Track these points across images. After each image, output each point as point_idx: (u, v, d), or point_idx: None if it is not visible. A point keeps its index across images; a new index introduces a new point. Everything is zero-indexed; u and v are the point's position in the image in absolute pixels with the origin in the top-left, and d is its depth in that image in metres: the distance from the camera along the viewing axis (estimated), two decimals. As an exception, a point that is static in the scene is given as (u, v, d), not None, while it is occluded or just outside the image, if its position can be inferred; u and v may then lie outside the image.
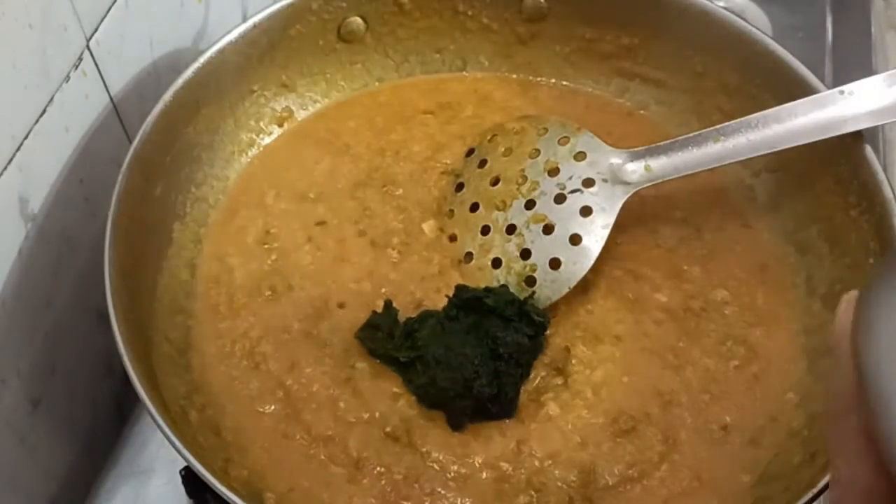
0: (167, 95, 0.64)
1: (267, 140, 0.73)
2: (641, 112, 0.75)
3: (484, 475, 0.58)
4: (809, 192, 0.66)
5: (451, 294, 0.63)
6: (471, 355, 0.59)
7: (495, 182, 0.68)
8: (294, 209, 0.69)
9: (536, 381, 0.61)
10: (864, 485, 0.30)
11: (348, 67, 0.75)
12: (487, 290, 0.63)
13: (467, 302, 0.62)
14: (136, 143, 0.61)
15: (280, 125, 0.73)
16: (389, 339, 0.61)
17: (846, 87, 0.62)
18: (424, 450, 0.58)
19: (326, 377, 0.61)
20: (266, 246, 0.67)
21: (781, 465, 0.57)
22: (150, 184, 0.63)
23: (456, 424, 0.59)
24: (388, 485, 0.57)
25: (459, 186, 0.70)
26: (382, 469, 0.57)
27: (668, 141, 0.65)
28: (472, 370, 0.58)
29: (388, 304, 0.62)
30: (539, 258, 0.64)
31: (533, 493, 0.57)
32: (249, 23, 0.68)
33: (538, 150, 0.67)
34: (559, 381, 0.61)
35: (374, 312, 0.62)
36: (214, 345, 0.63)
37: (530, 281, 0.64)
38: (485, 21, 0.75)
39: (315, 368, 0.61)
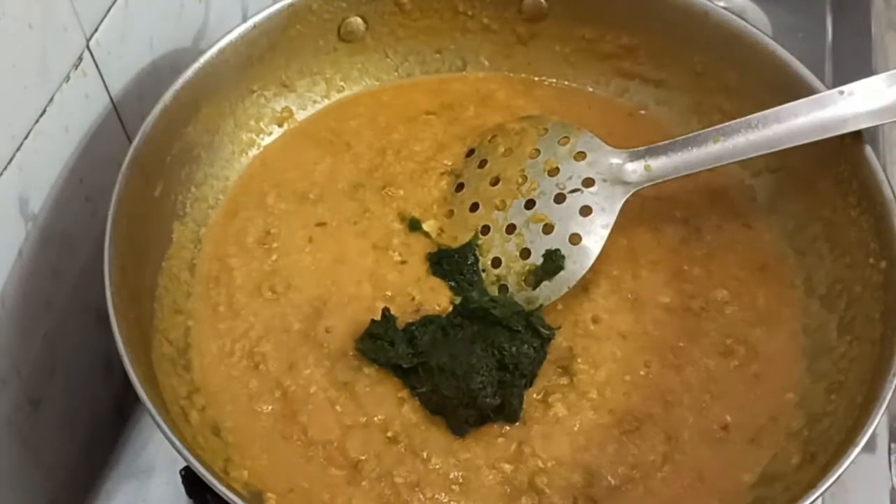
0: (167, 95, 0.64)
1: (267, 140, 0.73)
2: (641, 112, 0.75)
3: (486, 478, 0.58)
4: (809, 192, 0.66)
5: (450, 296, 0.64)
6: (476, 366, 0.59)
7: (495, 182, 0.68)
8: (294, 210, 0.69)
9: (543, 382, 0.61)
10: None
11: (348, 67, 0.75)
12: (493, 300, 0.63)
13: (473, 311, 0.62)
14: (136, 143, 0.61)
15: (280, 125, 0.74)
16: (391, 347, 0.61)
17: (846, 87, 0.62)
18: (425, 454, 0.58)
19: (325, 379, 0.61)
20: (266, 246, 0.67)
21: (781, 465, 0.57)
22: (150, 184, 0.63)
23: (458, 431, 0.59)
24: (388, 488, 0.57)
25: (459, 186, 0.70)
26: (382, 472, 0.57)
27: (668, 141, 0.65)
28: (478, 381, 0.58)
29: (385, 313, 0.62)
30: (539, 258, 0.64)
31: (535, 494, 0.57)
32: (249, 23, 0.68)
33: (538, 150, 0.67)
34: (565, 380, 0.61)
35: (373, 321, 0.62)
36: (214, 345, 0.63)
37: (530, 280, 0.64)
38: (485, 21, 0.75)
39: (314, 370, 0.61)
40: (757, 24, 0.75)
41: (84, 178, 0.65)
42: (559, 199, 0.65)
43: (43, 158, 0.60)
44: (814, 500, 0.51)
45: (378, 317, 0.62)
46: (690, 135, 0.65)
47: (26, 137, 0.58)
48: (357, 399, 0.60)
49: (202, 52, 0.66)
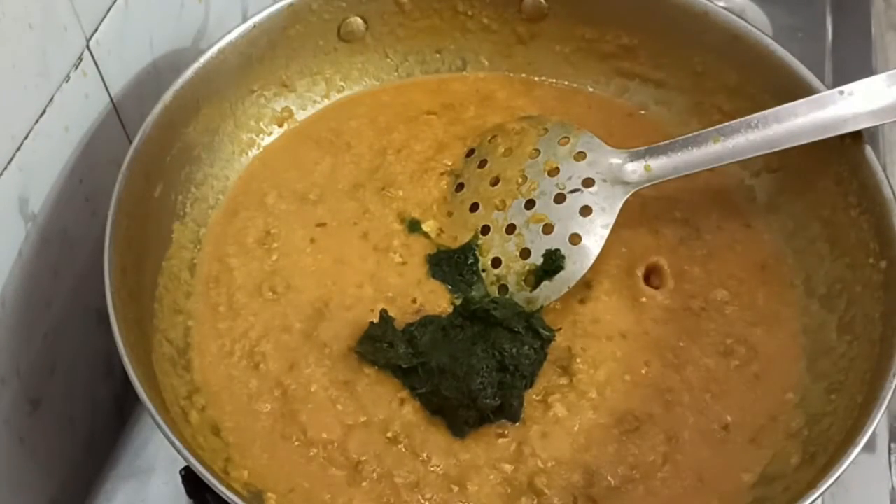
0: (167, 95, 0.64)
1: (267, 140, 0.73)
2: (641, 112, 0.75)
3: (486, 478, 0.58)
4: (809, 192, 0.66)
5: (450, 297, 0.64)
6: (477, 367, 0.59)
7: (495, 182, 0.68)
8: (294, 210, 0.69)
9: (543, 382, 0.61)
10: None
11: (348, 67, 0.75)
12: (494, 301, 0.63)
13: (474, 313, 0.62)
14: (136, 143, 0.61)
15: (280, 125, 0.73)
16: (390, 348, 0.61)
17: (846, 87, 0.62)
18: (425, 455, 0.58)
19: (325, 378, 0.61)
20: (266, 246, 0.67)
21: (781, 465, 0.57)
22: (150, 184, 0.63)
23: (458, 432, 0.59)
24: (388, 488, 0.57)
25: (459, 186, 0.70)
26: (383, 472, 0.57)
27: (668, 141, 0.65)
28: (478, 382, 0.58)
29: (383, 315, 0.62)
30: (539, 258, 0.64)
31: (535, 495, 0.57)
32: (249, 23, 0.68)
33: (538, 151, 0.67)
34: (564, 381, 0.61)
35: (371, 324, 0.62)
36: (214, 345, 0.63)
37: (530, 280, 0.64)
38: (485, 21, 0.75)
39: (314, 370, 0.61)
40: (757, 24, 0.75)
41: (84, 178, 0.65)
42: (559, 199, 0.65)
43: (43, 158, 0.60)
44: (814, 500, 0.51)
45: (377, 318, 0.62)
46: (690, 135, 0.65)
47: (26, 137, 0.58)
48: (357, 399, 0.60)
49: (202, 52, 0.66)
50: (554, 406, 0.60)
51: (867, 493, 0.67)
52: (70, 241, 0.64)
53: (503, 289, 0.65)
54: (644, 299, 0.65)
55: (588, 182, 0.65)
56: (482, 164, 0.69)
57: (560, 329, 0.63)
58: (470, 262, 0.66)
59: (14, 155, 0.57)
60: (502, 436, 0.59)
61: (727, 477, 0.58)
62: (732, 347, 0.63)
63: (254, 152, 0.72)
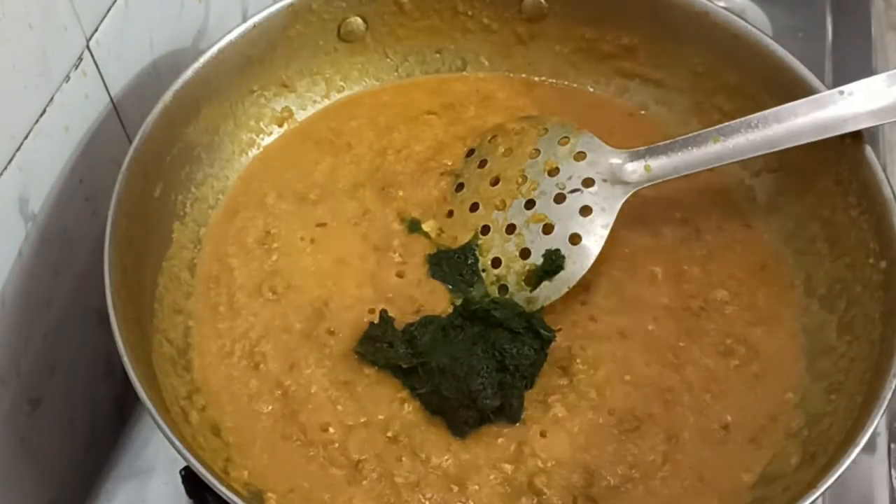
0: (167, 95, 0.64)
1: (267, 140, 0.73)
2: (641, 112, 0.75)
3: (486, 478, 0.58)
4: (809, 192, 0.66)
5: (450, 297, 0.64)
6: (477, 367, 0.59)
7: (495, 182, 0.68)
8: (294, 210, 0.69)
9: (543, 383, 0.61)
10: None
11: (348, 67, 0.75)
12: (494, 301, 0.63)
13: (474, 313, 0.62)
14: (136, 143, 0.61)
15: (280, 125, 0.74)
16: (390, 348, 0.61)
17: (846, 87, 0.62)
18: (425, 455, 0.58)
19: (326, 379, 0.61)
20: (266, 246, 0.67)
21: (781, 465, 0.57)
22: (150, 184, 0.63)
23: (458, 432, 0.59)
24: (388, 488, 0.57)
25: (459, 186, 0.70)
26: (383, 472, 0.57)
27: (668, 141, 0.65)
28: (478, 382, 0.58)
29: (383, 315, 0.62)
30: (539, 258, 0.64)
31: (535, 495, 0.57)
32: (249, 23, 0.68)
33: (538, 150, 0.68)
34: (564, 381, 0.61)
35: (371, 324, 0.62)
36: (214, 345, 0.63)
37: (530, 280, 0.64)
38: (485, 21, 0.75)
39: (315, 370, 0.61)
40: (757, 24, 0.75)
41: (84, 178, 0.65)
42: (559, 199, 0.65)
43: (43, 158, 0.60)
44: (814, 500, 0.51)
45: (377, 319, 0.62)
46: (690, 135, 0.65)
47: (26, 137, 0.58)
48: (358, 399, 0.60)
49: (202, 52, 0.66)
50: (554, 406, 0.60)
51: (867, 493, 0.67)
52: (70, 241, 0.65)
53: (503, 289, 0.65)
54: (644, 299, 0.65)
55: (588, 182, 0.65)
56: (482, 164, 0.69)
57: (560, 329, 0.63)
58: (470, 262, 0.66)
59: (14, 155, 0.57)
60: (502, 436, 0.59)
61: (727, 477, 0.58)
62: (732, 347, 0.63)
63: (254, 152, 0.72)
